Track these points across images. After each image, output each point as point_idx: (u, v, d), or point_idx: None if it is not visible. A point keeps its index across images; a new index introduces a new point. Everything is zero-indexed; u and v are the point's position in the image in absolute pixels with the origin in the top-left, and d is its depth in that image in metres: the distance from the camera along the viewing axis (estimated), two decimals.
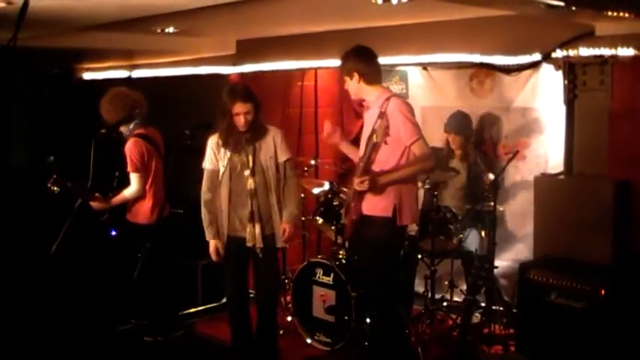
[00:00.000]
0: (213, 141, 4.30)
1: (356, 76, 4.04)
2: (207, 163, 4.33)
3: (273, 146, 4.31)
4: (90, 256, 5.46)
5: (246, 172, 4.22)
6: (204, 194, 4.33)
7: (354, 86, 4.10)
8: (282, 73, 6.15)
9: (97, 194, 4.66)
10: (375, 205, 4.04)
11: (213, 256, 4.37)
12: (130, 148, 4.64)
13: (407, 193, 4.06)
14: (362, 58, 4.06)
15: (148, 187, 4.73)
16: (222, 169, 4.26)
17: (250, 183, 4.22)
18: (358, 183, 3.92)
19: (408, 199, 4.06)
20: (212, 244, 4.36)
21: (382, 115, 3.87)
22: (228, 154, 4.24)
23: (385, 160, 3.99)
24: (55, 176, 4.57)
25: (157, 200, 4.72)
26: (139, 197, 4.73)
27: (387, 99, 3.98)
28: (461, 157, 5.38)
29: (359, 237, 4.29)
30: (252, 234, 4.26)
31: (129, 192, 4.70)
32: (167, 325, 4.99)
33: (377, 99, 4.04)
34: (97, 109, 4.73)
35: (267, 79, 6.30)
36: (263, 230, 4.29)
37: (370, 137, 3.93)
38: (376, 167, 3.99)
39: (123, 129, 4.72)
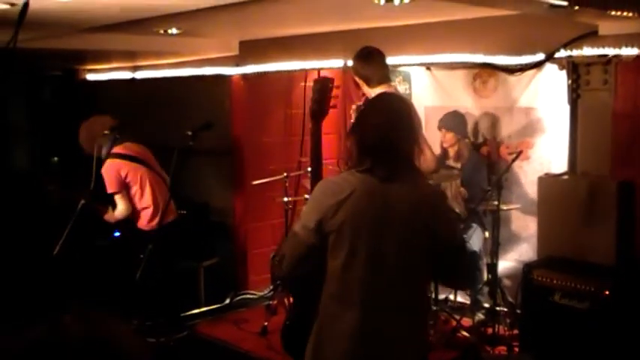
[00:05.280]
0: None
1: (358, 80, 4.03)
2: None
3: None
4: (93, 257, 5.47)
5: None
6: None
7: (365, 89, 4.07)
8: (284, 74, 6.16)
9: (98, 205, 4.76)
10: None
11: None
12: (106, 170, 4.70)
13: None
14: (359, 61, 4.03)
15: (138, 199, 4.80)
16: None
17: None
18: None
19: None
20: None
21: None
22: None
23: None
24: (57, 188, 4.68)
25: (158, 207, 4.79)
26: (138, 209, 4.82)
27: None
28: (455, 156, 5.39)
29: None
30: None
31: (118, 213, 4.79)
32: (170, 327, 4.99)
33: None
34: (98, 112, 4.79)
35: (270, 80, 6.31)
36: None
37: None
38: None
39: (102, 151, 4.78)
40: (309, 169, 3.08)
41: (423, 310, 2.59)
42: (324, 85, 3.02)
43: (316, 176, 2.94)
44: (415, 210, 2.40)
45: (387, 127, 2.43)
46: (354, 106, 4.30)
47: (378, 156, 2.40)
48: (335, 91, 3.10)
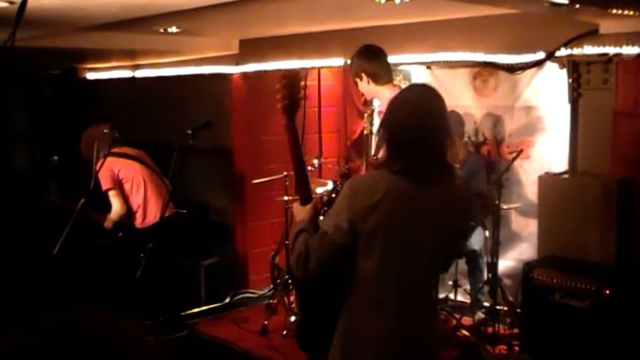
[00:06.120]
0: None
1: (364, 77, 3.86)
2: None
3: None
4: (93, 255, 5.47)
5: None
6: None
7: (366, 88, 3.91)
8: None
9: (97, 215, 4.80)
10: None
11: None
12: (100, 169, 4.68)
13: None
14: (366, 58, 3.88)
15: (134, 195, 4.84)
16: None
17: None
18: None
19: None
20: None
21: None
22: None
23: None
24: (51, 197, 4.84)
25: (150, 204, 4.85)
26: (133, 208, 4.85)
27: None
28: (450, 157, 5.36)
29: None
30: None
31: (113, 214, 4.83)
32: (170, 326, 4.98)
33: (388, 100, 3.88)
34: (100, 113, 4.81)
35: (270, 79, 6.29)
36: None
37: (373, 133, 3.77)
38: None
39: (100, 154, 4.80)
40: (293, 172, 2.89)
41: (436, 306, 2.63)
42: (291, 79, 2.91)
43: (300, 176, 2.80)
44: (445, 214, 2.36)
45: (419, 124, 2.33)
46: (368, 111, 4.17)
47: (410, 156, 2.31)
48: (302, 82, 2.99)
